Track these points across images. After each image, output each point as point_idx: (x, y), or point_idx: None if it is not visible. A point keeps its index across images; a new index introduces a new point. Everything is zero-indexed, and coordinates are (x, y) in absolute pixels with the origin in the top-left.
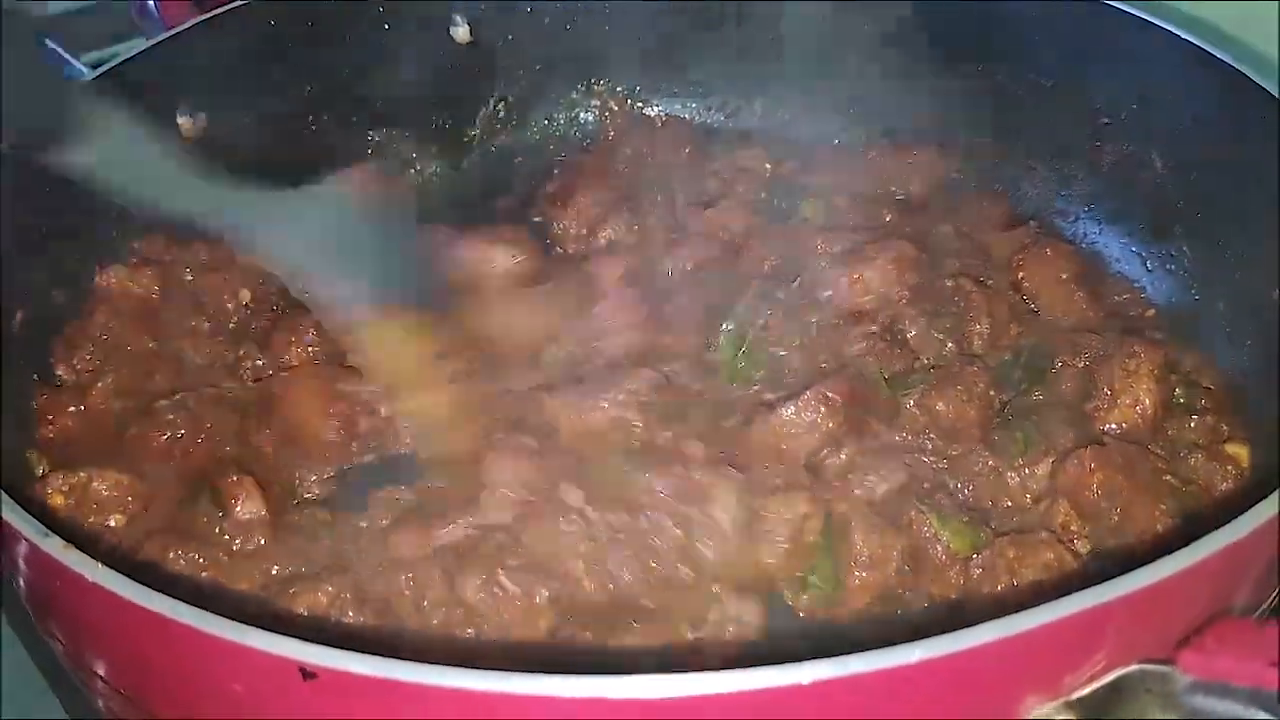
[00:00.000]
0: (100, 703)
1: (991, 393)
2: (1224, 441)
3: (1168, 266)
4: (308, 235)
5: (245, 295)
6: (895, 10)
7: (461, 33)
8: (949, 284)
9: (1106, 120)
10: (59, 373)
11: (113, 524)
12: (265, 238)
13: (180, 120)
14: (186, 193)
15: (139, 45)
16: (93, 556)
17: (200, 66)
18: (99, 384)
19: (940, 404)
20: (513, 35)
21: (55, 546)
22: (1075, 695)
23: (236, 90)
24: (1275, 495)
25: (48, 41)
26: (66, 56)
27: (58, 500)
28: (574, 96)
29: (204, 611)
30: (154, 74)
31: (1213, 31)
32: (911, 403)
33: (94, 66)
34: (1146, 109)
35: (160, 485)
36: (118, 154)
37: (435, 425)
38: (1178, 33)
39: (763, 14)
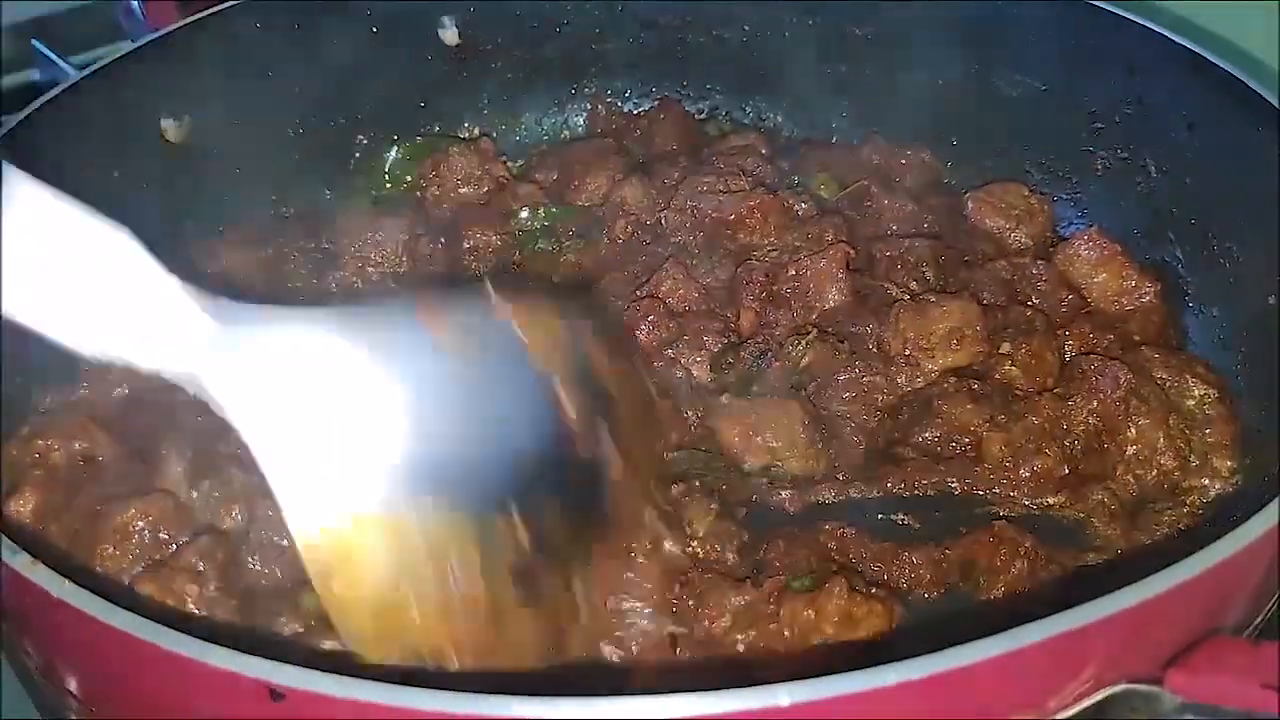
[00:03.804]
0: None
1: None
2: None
3: (1161, 273)
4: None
5: None
6: (888, 12)
7: (450, 35)
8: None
9: (1100, 125)
10: None
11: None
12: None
13: (164, 124)
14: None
15: (125, 47)
16: (60, 573)
17: (186, 69)
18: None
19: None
20: (501, 37)
21: (22, 563)
22: (1061, 716)
23: (222, 94)
24: (1269, 509)
25: (34, 43)
26: (53, 57)
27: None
28: (563, 99)
29: (170, 629)
30: (139, 76)
31: (1209, 36)
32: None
33: (81, 68)
34: (1141, 114)
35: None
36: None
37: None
38: (1173, 37)
39: (754, 16)
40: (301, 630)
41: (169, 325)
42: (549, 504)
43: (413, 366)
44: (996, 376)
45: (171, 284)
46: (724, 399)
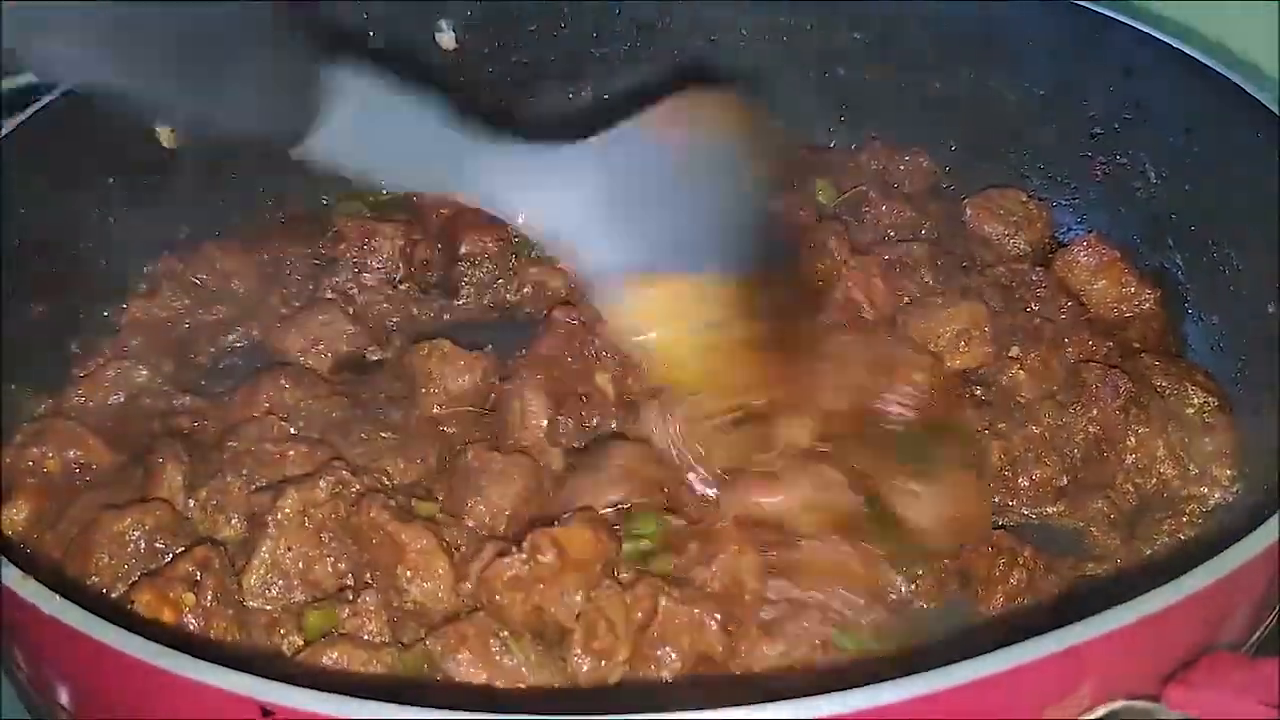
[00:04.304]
0: None
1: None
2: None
3: (1160, 279)
4: (587, 196)
5: None
6: (887, 17)
7: (447, 39)
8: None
9: (1099, 130)
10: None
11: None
12: (531, 199)
13: (159, 129)
14: (440, 158)
15: None
16: (51, 588)
17: None
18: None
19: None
20: (499, 42)
21: (13, 577)
22: None
23: None
24: (1269, 524)
25: None
26: None
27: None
28: (561, 104)
29: (162, 646)
30: None
31: (1207, 42)
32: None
33: None
34: (1140, 119)
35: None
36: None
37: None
38: (1171, 42)
39: (752, 20)
40: (301, 645)
41: (463, 159)
42: (769, 265)
43: (645, 167)
44: (1002, 381)
45: (463, 135)
46: None
